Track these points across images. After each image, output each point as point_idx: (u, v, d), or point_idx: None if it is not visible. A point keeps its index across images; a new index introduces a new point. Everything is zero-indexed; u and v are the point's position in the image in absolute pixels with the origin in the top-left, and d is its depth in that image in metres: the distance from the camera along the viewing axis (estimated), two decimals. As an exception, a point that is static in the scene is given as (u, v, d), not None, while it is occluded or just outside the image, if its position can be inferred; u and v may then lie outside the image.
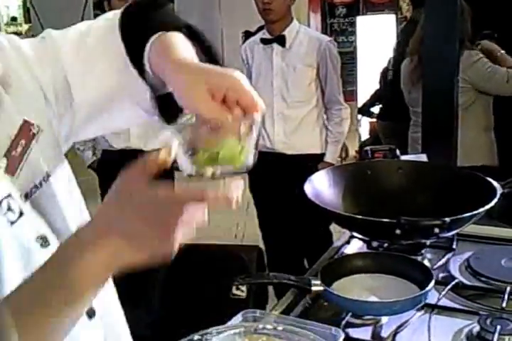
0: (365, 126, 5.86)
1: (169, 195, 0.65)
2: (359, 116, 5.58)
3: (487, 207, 1.42)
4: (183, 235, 0.66)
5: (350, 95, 6.98)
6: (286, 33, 2.98)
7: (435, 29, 2.13)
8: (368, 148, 1.73)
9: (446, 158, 1.94)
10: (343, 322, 1.27)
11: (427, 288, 1.24)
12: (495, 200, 1.45)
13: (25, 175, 0.78)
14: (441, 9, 2.09)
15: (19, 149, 0.77)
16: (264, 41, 3.04)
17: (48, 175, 0.82)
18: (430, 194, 1.62)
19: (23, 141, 0.78)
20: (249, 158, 0.76)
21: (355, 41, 7.34)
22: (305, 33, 3.02)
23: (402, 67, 3.06)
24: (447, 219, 1.33)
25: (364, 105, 5.23)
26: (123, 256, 0.66)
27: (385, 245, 1.54)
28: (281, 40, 2.98)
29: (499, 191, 1.50)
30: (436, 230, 1.36)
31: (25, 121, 0.79)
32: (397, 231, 1.35)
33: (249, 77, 3.11)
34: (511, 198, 1.79)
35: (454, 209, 1.41)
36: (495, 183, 1.55)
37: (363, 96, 5.74)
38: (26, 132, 0.79)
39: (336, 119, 3.04)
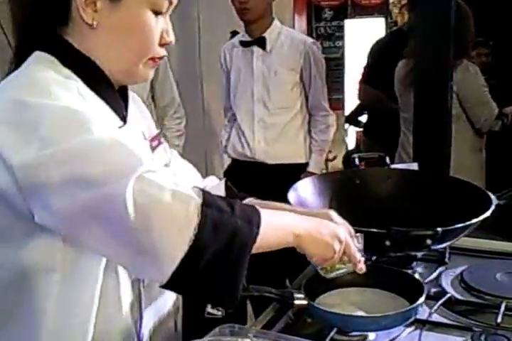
0: (352, 136, 5.88)
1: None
2: (346, 126, 5.61)
3: (481, 217, 1.43)
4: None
5: (337, 103, 7.00)
6: (266, 34, 2.94)
7: (429, 32, 2.16)
8: (355, 155, 1.74)
9: (439, 167, 1.95)
10: (328, 339, 1.28)
11: (418, 302, 1.25)
12: (490, 211, 1.47)
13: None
14: (436, 12, 2.12)
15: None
16: (243, 44, 3.01)
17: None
18: (422, 204, 1.63)
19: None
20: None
21: (343, 47, 7.39)
22: (287, 34, 2.98)
23: (397, 69, 3.08)
24: (440, 229, 1.34)
25: (351, 114, 5.25)
26: (312, 240, 1.13)
27: (374, 258, 1.55)
28: (261, 43, 2.94)
29: (494, 202, 1.52)
30: (428, 241, 1.37)
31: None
32: (387, 243, 1.36)
33: (228, 81, 3.10)
34: (507, 210, 1.81)
35: (446, 220, 1.42)
36: (490, 193, 1.57)
37: (351, 104, 5.77)
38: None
39: (320, 126, 3.04)
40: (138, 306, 1.16)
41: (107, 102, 1.10)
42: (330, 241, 1.15)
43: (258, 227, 1.01)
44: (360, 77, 3.95)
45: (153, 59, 1.13)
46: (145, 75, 1.15)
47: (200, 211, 0.95)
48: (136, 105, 1.26)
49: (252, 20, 2.90)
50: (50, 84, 1.00)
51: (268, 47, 2.94)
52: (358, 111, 5.04)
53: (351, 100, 6.02)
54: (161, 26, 1.12)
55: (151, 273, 0.99)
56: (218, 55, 3.16)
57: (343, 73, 7.30)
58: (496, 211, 1.72)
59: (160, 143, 1.27)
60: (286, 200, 1.52)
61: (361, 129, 4.84)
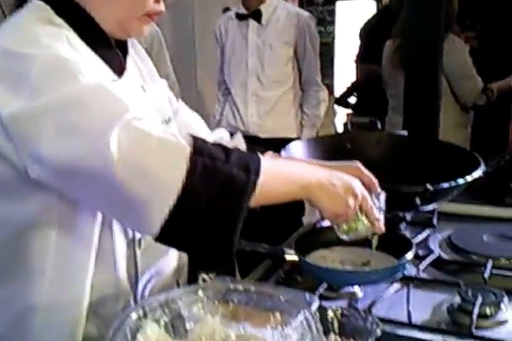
0: (340, 119, 5.87)
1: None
2: (336, 108, 5.58)
3: (470, 177, 1.42)
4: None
5: (327, 89, 6.98)
6: (262, 7, 2.94)
7: (419, 9, 2.14)
8: (347, 120, 1.72)
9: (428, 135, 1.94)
10: (317, 295, 1.27)
11: (407, 257, 1.24)
12: (479, 172, 1.45)
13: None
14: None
15: None
16: (239, 16, 3.00)
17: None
18: (412, 167, 1.62)
19: None
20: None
21: (334, 32, 7.35)
22: (283, 8, 2.98)
23: (384, 48, 3.06)
24: (429, 186, 1.32)
25: (341, 95, 5.23)
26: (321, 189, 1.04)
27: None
28: (257, 16, 2.94)
29: (482, 163, 1.50)
30: (417, 200, 1.36)
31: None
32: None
33: (223, 55, 3.08)
34: (494, 177, 1.81)
35: (436, 183, 1.40)
36: (478, 156, 1.55)
37: (341, 90, 5.74)
38: None
39: (313, 102, 3.03)
40: (134, 268, 1.14)
41: (100, 55, 1.08)
42: (343, 194, 1.06)
43: (257, 175, 0.94)
44: (350, 61, 3.96)
45: (148, 15, 1.10)
46: (139, 30, 1.12)
47: (189, 159, 0.90)
48: (138, 55, 1.23)
49: None
50: (39, 33, 0.97)
51: (264, 20, 2.94)
52: (348, 93, 5.02)
53: (342, 85, 5.99)
54: None
55: (140, 224, 0.95)
56: (212, 33, 3.14)
57: (333, 58, 7.27)
58: (484, 178, 1.71)
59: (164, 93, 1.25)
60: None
61: (350, 111, 4.83)
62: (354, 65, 4.05)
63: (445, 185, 1.37)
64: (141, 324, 0.98)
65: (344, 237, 1.18)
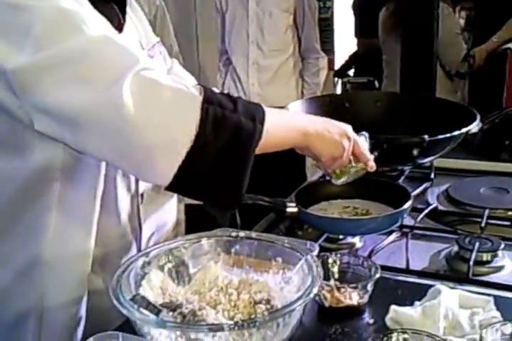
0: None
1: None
2: (335, 80, 5.55)
3: (466, 129, 1.40)
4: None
5: (328, 63, 6.93)
6: None
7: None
8: (345, 79, 1.71)
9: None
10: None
11: (404, 206, 1.23)
12: (475, 124, 1.44)
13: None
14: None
15: None
16: None
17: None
18: (409, 124, 1.60)
19: None
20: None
21: (332, 7, 7.27)
22: None
23: (380, 16, 3.04)
24: (426, 137, 1.32)
25: (341, 68, 5.20)
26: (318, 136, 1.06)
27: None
28: None
29: (479, 117, 1.49)
30: (415, 152, 1.35)
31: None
32: (375, 153, 1.33)
33: (223, 26, 3.06)
34: (490, 134, 1.80)
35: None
36: (474, 110, 1.54)
37: (341, 63, 5.70)
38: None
39: (312, 69, 3.02)
40: (138, 222, 1.15)
41: (98, 9, 1.05)
42: (338, 138, 1.09)
43: (262, 124, 0.95)
44: (349, 35, 3.93)
45: None
46: None
47: (201, 107, 0.89)
48: (135, 14, 1.21)
49: None
50: None
51: None
52: (347, 65, 5.00)
53: (341, 58, 5.95)
54: None
55: (153, 173, 0.92)
56: (212, 3, 3.11)
57: (333, 33, 7.20)
58: (480, 135, 1.70)
59: (159, 52, 1.23)
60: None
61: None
62: (353, 39, 4.02)
63: (441, 135, 1.36)
64: (145, 271, 0.98)
65: (338, 181, 1.21)
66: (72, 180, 1.02)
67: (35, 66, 0.88)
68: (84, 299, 1.09)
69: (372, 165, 1.18)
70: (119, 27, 1.09)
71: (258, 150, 0.95)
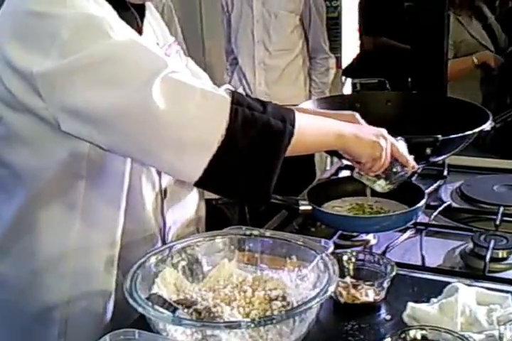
0: (348, 90, 5.82)
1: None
2: (343, 79, 5.54)
3: (479, 128, 1.40)
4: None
5: (336, 61, 6.93)
6: None
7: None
8: (356, 80, 1.71)
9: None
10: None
11: (419, 204, 1.23)
12: (488, 123, 1.43)
13: None
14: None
15: None
16: None
17: None
18: (421, 124, 1.59)
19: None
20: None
21: (340, 6, 7.26)
22: None
23: None
24: (439, 136, 1.31)
25: (349, 67, 5.19)
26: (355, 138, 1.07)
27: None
28: None
29: (491, 116, 1.48)
30: (428, 151, 1.35)
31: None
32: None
33: (229, 25, 3.07)
34: (502, 132, 1.79)
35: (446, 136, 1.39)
36: (486, 110, 1.53)
37: (348, 61, 5.69)
38: None
39: (320, 69, 3.01)
40: (161, 217, 1.15)
41: (121, 17, 1.06)
42: (375, 138, 1.09)
43: (292, 125, 0.96)
44: (356, 34, 3.91)
45: None
46: None
47: (230, 108, 0.91)
48: (153, 17, 1.22)
49: None
50: None
51: None
52: (354, 64, 4.98)
53: (349, 57, 5.94)
54: None
55: (180, 172, 0.95)
56: (218, 3, 3.12)
57: (341, 32, 7.20)
58: (493, 133, 1.69)
59: (175, 51, 1.24)
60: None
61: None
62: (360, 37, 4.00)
63: (454, 135, 1.35)
64: (159, 269, 0.98)
65: (385, 188, 1.19)
66: (98, 177, 1.03)
67: (65, 69, 0.90)
68: (112, 292, 1.10)
69: (414, 165, 1.18)
70: (137, 30, 1.11)
71: (293, 152, 0.98)
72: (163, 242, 1.16)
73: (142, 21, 1.14)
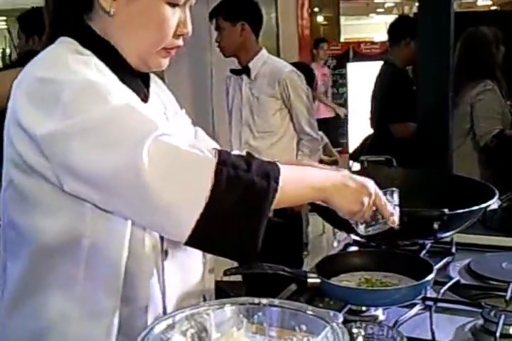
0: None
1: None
2: (350, 163, 5.61)
3: (486, 204, 1.42)
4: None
5: (342, 147, 7.07)
6: (251, 64, 3.06)
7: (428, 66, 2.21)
8: (363, 157, 1.75)
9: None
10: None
11: (428, 278, 1.23)
12: (494, 199, 1.45)
13: None
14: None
15: None
16: (234, 72, 3.15)
17: None
18: (428, 201, 1.61)
19: None
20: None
21: (346, 93, 7.49)
22: (270, 63, 3.08)
23: None
24: (446, 210, 1.33)
25: (355, 151, 5.26)
26: (340, 192, 1.10)
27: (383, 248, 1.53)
28: (247, 71, 3.08)
29: (497, 193, 1.51)
30: (435, 226, 1.36)
31: None
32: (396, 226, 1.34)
33: (228, 106, 3.23)
34: (509, 211, 1.81)
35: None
36: (492, 187, 1.56)
37: (355, 145, 5.78)
38: None
39: (305, 150, 3.08)
40: (162, 281, 1.13)
41: (126, 83, 1.12)
42: (356, 193, 1.11)
43: (276, 182, 1.00)
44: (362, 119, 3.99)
45: (165, 49, 1.14)
46: (157, 63, 1.15)
47: (215, 169, 0.96)
48: (160, 89, 1.27)
49: (227, 55, 3.09)
50: (69, 61, 1.04)
51: (252, 75, 3.06)
52: (362, 148, 5.05)
53: (355, 142, 6.04)
54: (178, 17, 1.12)
55: (170, 232, 1.01)
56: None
57: (347, 119, 7.38)
58: (499, 212, 1.72)
59: (183, 121, 1.29)
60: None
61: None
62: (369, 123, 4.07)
63: (461, 210, 1.37)
64: (167, 335, 0.98)
65: (362, 232, 1.21)
66: (101, 236, 1.05)
67: (64, 132, 0.97)
68: None
69: (394, 220, 1.19)
70: (144, 98, 1.17)
71: (277, 206, 1.02)
72: (164, 307, 1.13)
73: (148, 90, 1.20)
